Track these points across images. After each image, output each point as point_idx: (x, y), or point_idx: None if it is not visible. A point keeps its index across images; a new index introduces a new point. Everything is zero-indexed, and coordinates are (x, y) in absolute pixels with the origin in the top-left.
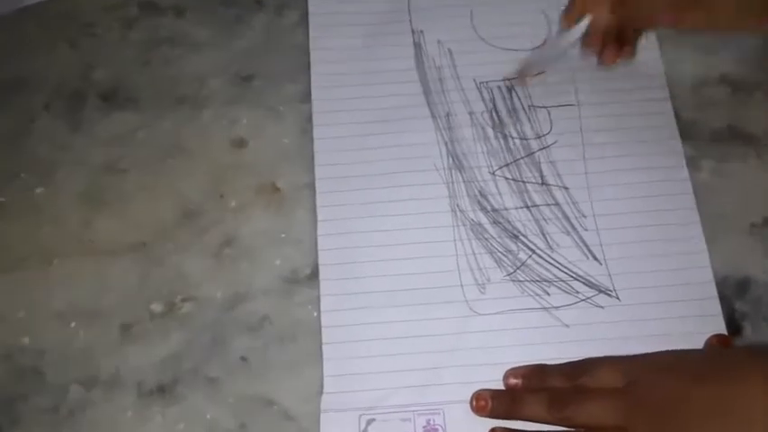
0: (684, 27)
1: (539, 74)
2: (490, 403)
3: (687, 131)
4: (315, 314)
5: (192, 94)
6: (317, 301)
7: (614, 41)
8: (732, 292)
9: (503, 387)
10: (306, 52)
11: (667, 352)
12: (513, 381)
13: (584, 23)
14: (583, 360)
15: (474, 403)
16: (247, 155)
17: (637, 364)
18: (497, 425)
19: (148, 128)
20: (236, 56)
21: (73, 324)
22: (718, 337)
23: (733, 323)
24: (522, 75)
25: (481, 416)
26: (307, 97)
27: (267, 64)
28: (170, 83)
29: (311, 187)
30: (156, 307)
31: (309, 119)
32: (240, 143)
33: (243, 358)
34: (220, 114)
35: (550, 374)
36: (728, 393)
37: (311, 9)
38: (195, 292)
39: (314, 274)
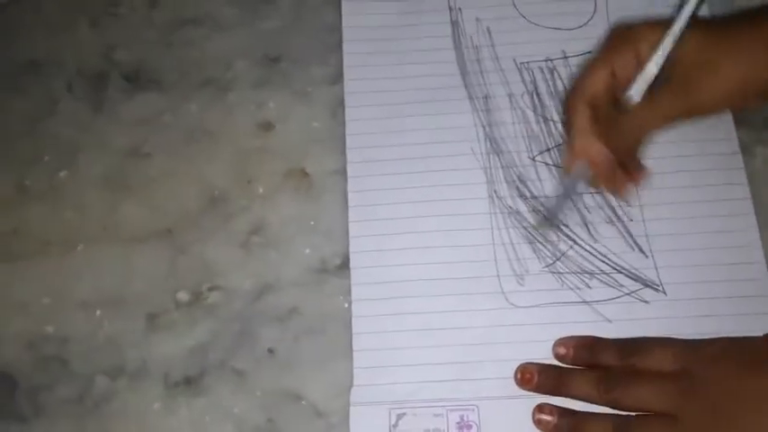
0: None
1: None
2: (536, 378)
3: (741, 117)
4: (345, 305)
5: (217, 75)
6: (347, 292)
7: (622, 170)
8: None
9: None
10: (335, 32)
11: (723, 339)
12: (563, 351)
13: (582, 169)
14: (637, 339)
15: (519, 376)
16: (275, 139)
17: (691, 350)
18: (541, 417)
19: (173, 110)
20: (262, 36)
21: (98, 312)
22: None
23: None
24: (544, 225)
25: (526, 389)
26: (337, 79)
27: (295, 45)
28: (195, 64)
29: (341, 173)
30: (183, 296)
31: (339, 102)
32: (267, 127)
33: (270, 350)
34: (247, 97)
35: (602, 349)
36: None
37: None
38: (222, 281)
39: (344, 264)
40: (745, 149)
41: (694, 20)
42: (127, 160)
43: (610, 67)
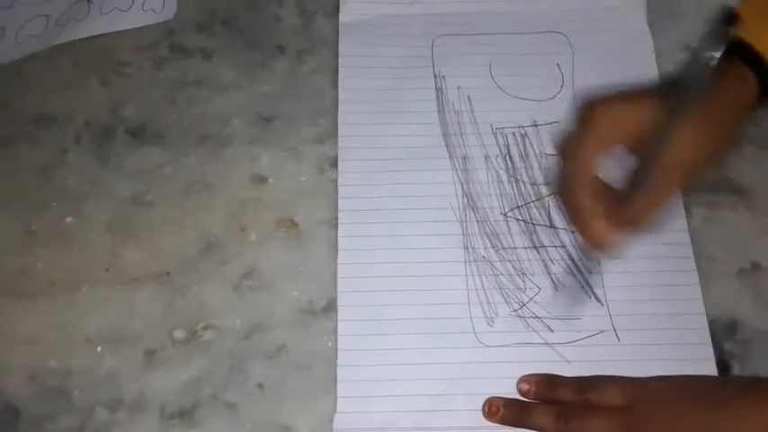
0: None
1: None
2: (501, 410)
3: None
4: (330, 344)
5: (216, 132)
6: (332, 333)
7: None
8: (722, 333)
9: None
10: (324, 97)
11: (668, 378)
12: (525, 386)
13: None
14: (591, 377)
15: (486, 409)
16: (268, 191)
17: (638, 387)
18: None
19: (174, 163)
20: (258, 98)
21: (99, 348)
22: None
23: (722, 364)
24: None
25: (492, 421)
26: (325, 139)
27: (287, 107)
28: (196, 121)
29: (328, 223)
30: (179, 334)
31: (327, 159)
32: (261, 180)
33: (260, 385)
34: (242, 152)
35: (561, 386)
36: (721, 422)
37: (341, 51)
38: (216, 320)
39: (329, 307)
40: (685, 210)
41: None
42: (130, 208)
43: (599, 146)
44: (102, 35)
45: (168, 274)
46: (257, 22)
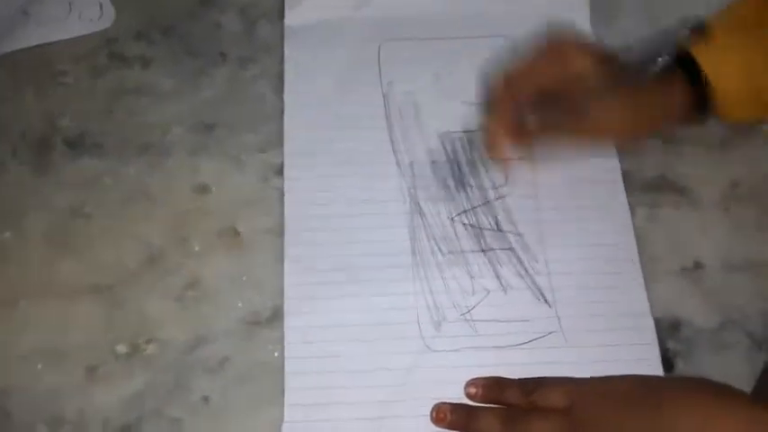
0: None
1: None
2: (449, 416)
3: (625, 181)
4: (276, 354)
5: (156, 141)
6: (277, 342)
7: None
8: (665, 331)
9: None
10: (267, 103)
11: (608, 378)
12: (472, 390)
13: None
14: (536, 378)
15: (434, 415)
16: (210, 200)
17: (579, 388)
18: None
19: (113, 174)
20: (199, 106)
21: (39, 365)
22: None
23: (666, 361)
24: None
25: (440, 427)
26: (268, 147)
27: (229, 114)
28: (135, 130)
29: (271, 232)
30: (121, 348)
31: (270, 167)
32: (203, 189)
33: (205, 399)
34: (183, 161)
35: (507, 388)
36: (658, 421)
37: (287, 55)
38: (158, 333)
39: (274, 316)
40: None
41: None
42: (68, 221)
43: (542, 69)
44: (38, 45)
45: (109, 287)
46: (198, 29)
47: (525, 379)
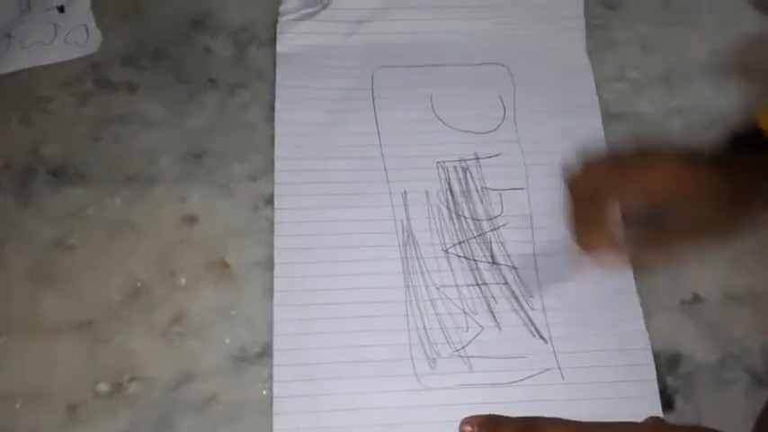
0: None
1: None
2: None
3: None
4: (264, 392)
5: (142, 170)
6: (266, 380)
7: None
8: (664, 367)
9: None
10: (257, 132)
11: (606, 425)
12: (468, 429)
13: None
14: (532, 418)
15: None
16: (197, 232)
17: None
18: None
19: (98, 204)
20: (187, 133)
21: (18, 404)
22: (654, 419)
23: (665, 397)
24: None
25: None
26: (258, 175)
27: (218, 142)
28: (121, 159)
29: (261, 264)
30: (103, 387)
31: (260, 197)
32: (190, 220)
33: None
34: (171, 191)
35: (503, 426)
36: None
37: (278, 82)
38: (142, 371)
39: (263, 353)
40: None
41: None
42: (51, 253)
43: (636, 180)
44: (21, 70)
45: (91, 322)
46: (187, 55)
47: (523, 418)
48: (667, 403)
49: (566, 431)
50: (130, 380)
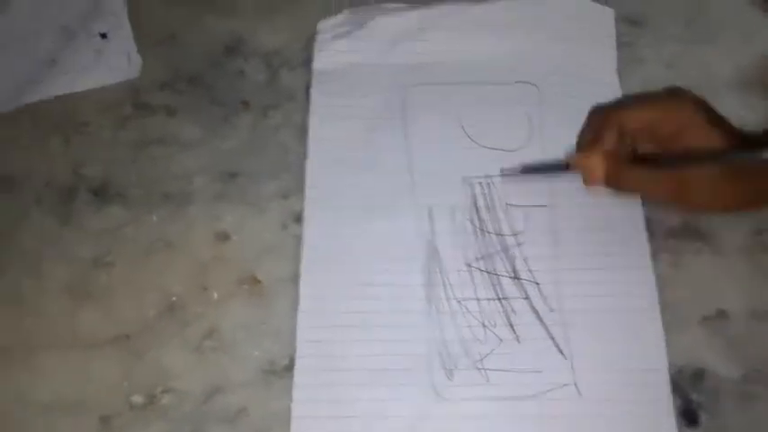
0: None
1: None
2: None
3: (646, 227)
4: (291, 404)
5: (178, 190)
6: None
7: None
8: (687, 382)
9: None
10: (288, 152)
11: None
12: None
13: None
14: None
15: None
16: (230, 249)
17: None
18: None
19: (136, 223)
20: (222, 154)
21: (54, 415)
22: None
23: (689, 413)
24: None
25: None
26: (288, 194)
27: (251, 162)
28: (158, 179)
29: (291, 280)
30: (137, 399)
31: (290, 215)
32: (224, 237)
33: None
34: (205, 210)
35: None
36: None
37: (313, 99)
38: (175, 384)
39: (291, 365)
40: (652, 256)
41: None
42: (89, 270)
43: (660, 117)
44: (64, 94)
45: (127, 336)
46: (222, 78)
47: None
48: (692, 419)
49: None
50: (163, 392)
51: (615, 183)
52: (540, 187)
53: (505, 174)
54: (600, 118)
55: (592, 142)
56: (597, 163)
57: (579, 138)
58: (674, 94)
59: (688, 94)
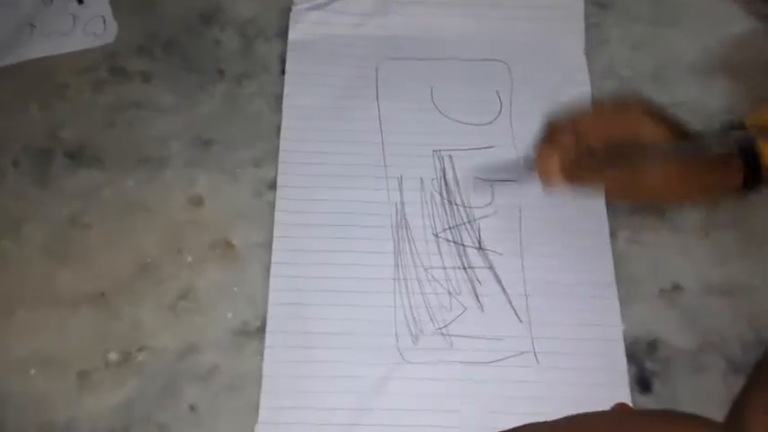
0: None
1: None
2: None
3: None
4: (263, 365)
5: (154, 154)
6: None
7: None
8: (643, 352)
9: None
10: (262, 120)
11: (576, 416)
12: None
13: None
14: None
15: None
16: (204, 213)
17: None
18: None
19: (112, 185)
20: (197, 121)
21: (32, 371)
22: (620, 405)
23: (643, 381)
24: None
25: None
26: (261, 162)
27: (225, 130)
28: (134, 144)
29: (263, 245)
30: (113, 356)
31: (264, 182)
32: (198, 202)
33: (192, 407)
34: (180, 175)
35: None
36: None
37: (288, 68)
38: (150, 342)
39: (263, 327)
40: (610, 233)
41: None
42: (66, 230)
43: (611, 120)
44: (42, 58)
45: (103, 295)
46: (198, 46)
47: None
48: (645, 386)
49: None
50: (139, 350)
51: (571, 172)
52: (510, 162)
53: (478, 180)
54: (555, 123)
55: (547, 141)
56: (552, 152)
57: (536, 142)
58: (623, 99)
59: (636, 97)
